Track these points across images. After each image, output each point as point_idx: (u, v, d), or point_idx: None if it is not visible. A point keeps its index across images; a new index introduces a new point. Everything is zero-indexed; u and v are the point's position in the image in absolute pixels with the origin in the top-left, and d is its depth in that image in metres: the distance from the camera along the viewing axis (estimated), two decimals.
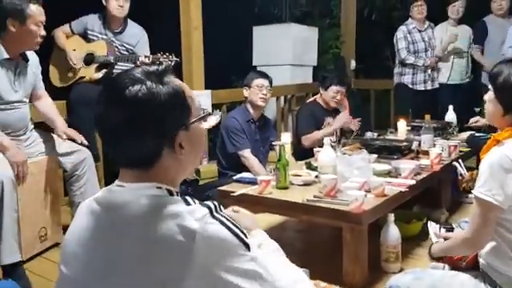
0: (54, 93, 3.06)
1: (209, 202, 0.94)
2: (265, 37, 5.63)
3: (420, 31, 4.63)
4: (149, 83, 0.94)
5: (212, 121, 2.79)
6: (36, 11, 2.39)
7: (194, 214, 0.90)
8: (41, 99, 2.74)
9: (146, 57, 3.20)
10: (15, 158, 2.32)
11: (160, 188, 0.95)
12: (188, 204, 0.93)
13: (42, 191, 2.61)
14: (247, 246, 0.92)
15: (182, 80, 1.03)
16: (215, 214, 0.92)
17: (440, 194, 2.99)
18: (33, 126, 2.66)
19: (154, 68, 0.98)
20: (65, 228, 1.06)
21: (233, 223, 0.92)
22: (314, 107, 3.83)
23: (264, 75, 3.37)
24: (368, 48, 6.61)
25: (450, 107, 3.72)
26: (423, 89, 4.64)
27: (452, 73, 4.65)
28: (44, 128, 2.78)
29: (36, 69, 2.65)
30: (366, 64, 6.49)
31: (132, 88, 0.93)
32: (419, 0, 4.60)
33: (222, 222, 0.91)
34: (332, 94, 3.73)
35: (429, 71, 4.62)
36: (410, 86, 4.64)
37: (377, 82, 5.85)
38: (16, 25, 2.37)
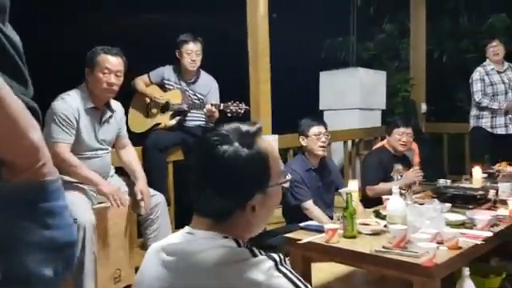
0: (132, 139, 3.29)
1: (274, 255, 0.96)
2: (332, 81, 5.68)
3: (499, 72, 4.47)
4: (236, 145, 0.99)
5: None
6: (103, 58, 2.58)
7: (259, 266, 0.93)
8: (125, 148, 2.90)
9: (212, 104, 3.34)
10: (106, 188, 2.51)
11: (227, 238, 0.99)
12: (254, 255, 0.96)
13: (119, 233, 2.75)
14: None
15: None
16: (280, 266, 0.94)
17: None
18: (114, 171, 2.85)
19: (245, 128, 1.02)
20: (137, 270, 1.13)
21: (297, 277, 0.94)
22: (382, 153, 3.72)
23: (319, 121, 3.33)
24: (440, 91, 6.46)
25: None
26: (504, 133, 4.41)
27: None
28: (123, 172, 2.97)
29: (120, 119, 2.86)
30: (437, 107, 6.31)
31: (220, 147, 0.98)
32: (494, 41, 4.48)
33: (286, 276, 0.93)
34: (397, 136, 3.60)
35: (510, 114, 4.40)
36: (489, 130, 4.44)
37: (450, 126, 5.65)
38: (89, 73, 2.60)
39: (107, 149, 2.76)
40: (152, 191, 2.80)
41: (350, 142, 5.17)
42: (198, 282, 0.95)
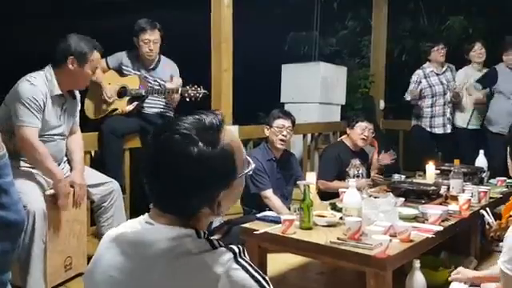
0: (88, 125, 3.18)
1: (234, 246, 0.96)
2: (293, 74, 5.70)
3: (438, 74, 4.65)
4: (201, 145, 0.94)
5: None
6: (96, 58, 2.56)
7: (218, 258, 0.92)
8: (73, 134, 2.82)
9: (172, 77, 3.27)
10: (65, 190, 2.46)
11: (187, 229, 0.97)
12: (214, 247, 0.95)
13: (71, 221, 2.66)
14: None
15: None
16: (239, 259, 0.93)
17: (469, 242, 2.90)
18: (66, 159, 2.75)
19: (208, 121, 0.97)
20: (89, 258, 1.08)
21: (256, 270, 0.94)
22: (340, 148, 3.77)
23: (287, 115, 3.34)
24: (399, 88, 6.62)
25: (481, 152, 3.66)
26: (442, 132, 4.62)
27: (472, 118, 4.62)
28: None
29: (78, 105, 2.79)
30: (396, 104, 6.47)
31: (185, 149, 0.93)
32: (440, 43, 4.67)
33: (245, 268, 0.92)
34: (359, 131, 3.66)
35: (448, 115, 4.62)
36: (428, 130, 4.65)
37: (406, 123, 5.80)
38: (75, 64, 2.51)
39: (65, 136, 2.69)
40: (106, 178, 2.73)
41: (309, 136, 5.22)
42: (157, 272, 0.93)
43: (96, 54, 2.56)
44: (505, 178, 3.40)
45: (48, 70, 2.54)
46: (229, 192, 0.99)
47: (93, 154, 3.28)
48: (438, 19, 7.00)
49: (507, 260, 1.47)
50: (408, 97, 4.69)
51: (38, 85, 2.46)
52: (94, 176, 2.75)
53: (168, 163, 0.95)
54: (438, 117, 4.63)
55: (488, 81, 4.49)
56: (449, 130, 4.65)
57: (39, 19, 7.24)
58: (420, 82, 4.64)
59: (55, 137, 2.59)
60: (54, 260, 2.48)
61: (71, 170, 2.69)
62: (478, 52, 4.56)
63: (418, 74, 4.69)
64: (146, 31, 3.36)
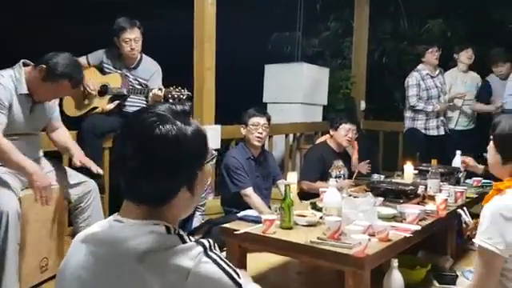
0: (66, 122, 3.13)
1: (204, 240, 0.96)
2: (276, 75, 5.72)
3: (432, 77, 4.69)
4: (178, 123, 0.95)
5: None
6: (63, 86, 2.47)
7: (188, 253, 0.92)
8: (57, 130, 2.78)
9: (159, 89, 3.25)
10: (39, 182, 2.35)
11: (158, 225, 0.96)
12: (183, 241, 0.94)
13: (47, 221, 2.62)
14: (239, 287, 0.93)
15: (192, 114, 1.06)
16: (209, 252, 0.93)
17: (445, 241, 2.95)
18: (43, 155, 2.70)
19: (180, 107, 1.00)
20: None
21: (226, 263, 0.94)
22: (323, 149, 3.79)
23: (261, 113, 3.35)
24: (379, 90, 6.70)
25: (458, 152, 3.72)
26: (436, 134, 4.67)
27: (460, 119, 4.74)
28: (53, 156, 2.82)
29: (53, 103, 2.72)
30: (376, 105, 6.55)
31: (162, 127, 0.94)
32: (435, 46, 4.69)
33: (215, 261, 0.92)
34: (343, 132, 3.69)
35: (441, 117, 4.67)
36: (423, 131, 4.68)
37: (386, 124, 5.88)
38: (41, 74, 2.44)
39: (36, 134, 2.64)
40: (84, 177, 2.70)
41: (291, 136, 5.24)
42: (126, 270, 0.92)
43: (64, 83, 2.45)
44: (480, 179, 3.46)
45: (18, 69, 2.48)
46: (201, 176, 1.00)
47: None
48: (417, 22, 7.11)
49: (482, 232, 1.52)
50: (429, 108, 4.60)
51: (5, 83, 2.40)
52: (71, 176, 2.71)
53: (146, 145, 0.94)
54: (432, 119, 4.66)
55: (484, 95, 4.69)
56: (442, 132, 4.69)
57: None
58: (419, 84, 4.64)
59: (25, 136, 2.53)
60: (30, 261, 2.44)
61: (58, 165, 2.65)
62: (470, 54, 4.69)
63: (415, 76, 4.66)
64: (126, 30, 3.32)
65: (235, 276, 0.93)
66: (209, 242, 0.95)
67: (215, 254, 0.94)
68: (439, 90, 4.67)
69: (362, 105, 6.08)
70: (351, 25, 6.40)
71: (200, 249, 0.93)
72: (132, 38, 3.34)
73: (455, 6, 6.72)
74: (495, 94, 4.64)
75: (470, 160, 3.36)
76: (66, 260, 1.03)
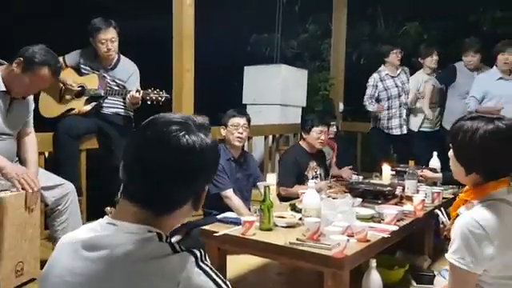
0: (42, 124, 3.07)
1: (195, 250, 0.95)
2: (255, 76, 5.73)
3: (393, 77, 4.82)
4: (200, 135, 0.97)
5: None
6: (43, 74, 2.43)
7: (179, 262, 0.92)
8: (27, 136, 2.71)
9: (136, 91, 3.22)
10: (14, 171, 2.30)
11: (151, 232, 0.96)
12: (175, 251, 0.94)
13: (23, 224, 2.56)
14: None
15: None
16: (200, 263, 0.93)
17: (423, 241, 3.00)
18: (18, 159, 2.64)
19: (200, 120, 1.01)
20: (43, 263, 1.05)
21: (217, 274, 0.94)
22: (297, 152, 3.77)
23: (241, 113, 3.36)
24: (357, 91, 6.77)
25: (435, 153, 3.78)
26: (399, 133, 4.79)
27: (425, 121, 4.81)
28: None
29: (30, 106, 2.68)
30: (354, 107, 6.62)
31: (188, 137, 0.95)
32: (398, 47, 4.84)
33: (206, 272, 0.92)
34: (315, 135, 3.69)
35: (403, 116, 4.79)
36: (386, 131, 4.81)
37: (364, 125, 5.94)
38: (19, 68, 2.40)
39: (12, 135, 2.58)
40: (61, 180, 2.65)
41: (270, 137, 5.25)
42: (115, 277, 0.92)
43: (44, 70, 2.42)
44: (440, 189, 3.40)
45: None
46: (205, 190, 1.03)
47: (47, 155, 3.17)
48: (394, 25, 7.22)
49: (454, 251, 1.50)
50: (370, 108, 4.84)
51: None
52: (48, 178, 2.66)
53: (168, 154, 0.94)
54: (394, 118, 4.80)
55: (447, 78, 4.67)
56: (405, 131, 4.82)
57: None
58: (376, 85, 4.80)
59: (4, 136, 2.48)
60: (4, 265, 2.37)
61: None
62: (434, 59, 4.76)
63: (374, 77, 4.84)
64: (101, 30, 3.28)
65: (225, 287, 0.93)
66: (200, 252, 0.95)
67: (206, 264, 0.94)
68: (400, 89, 4.80)
69: (341, 106, 6.14)
70: (329, 27, 6.46)
71: (192, 259, 0.93)
72: (108, 39, 3.29)
73: (431, 8, 6.84)
74: (457, 83, 4.61)
75: (426, 172, 3.35)
76: (51, 263, 1.00)
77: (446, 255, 1.54)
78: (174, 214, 0.99)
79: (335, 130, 4.56)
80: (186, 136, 0.95)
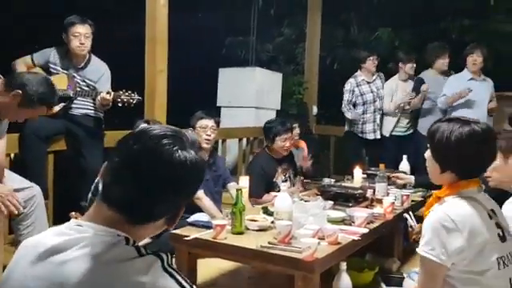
0: (9, 124, 2.97)
1: (162, 254, 0.95)
2: (230, 79, 5.71)
3: (368, 83, 4.88)
4: (192, 152, 0.98)
5: None
6: (42, 111, 2.44)
7: (145, 266, 0.90)
8: None
9: (107, 93, 3.16)
10: None
11: (119, 236, 0.94)
12: (141, 254, 0.93)
13: None
14: None
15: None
16: (166, 266, 0.92)
17: (392, 243, 3.03)
18: None
19: (191, 137, 1.03)
20: (5, 269, 1.01)
21: (183, 278, 0.93)
22: (263, 160, 3.72)
23: (209, 115, 3.33)
24: (330, 95, 6.83)
25: (405, 157, 3.84)
26: (373, 138, 4.85)
27: (397, 126, 4.88)
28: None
29: (5, 127, 2.59)
30: (327, 111, 6.67)
31: (181, 153, 0.96)
32: (375, 54, 4.90)
33: (172, 276, 0.91)
34: (280, 143, 3.65)
35: (377, 121, 4.86)
36: (360, 135, 4.87)
37: (337, 129, 5.99)
38: (16, 100, 2.34)
39: None
40: (27, 183, 2.57)
41: (244, 140, 5.24)
42: (81, 281, 0.89)
43: (42, 108, 2.44)
44: (409, 192, 3.46)
45: None
46: (182, 208, 1.04)
47: (13, 157, 3.07)
48: (367, 30, 7.32)
49: (425, 243, 1.54)
50: (348, 115, 4.85)
51: None
52: (13, 180, 2.57)
53: (161, 169, 0.95)
54: (368, 123, 4.85)
55: (417, 88, 4.76)
56: (378, 136, 4.88)
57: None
58: (353, 90, 4.83)
59: None
60: None
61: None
62: (414, 66, 4.86)
63: (350, 82, 4.87)
64: (76, 24, 3.22)
65: None
66: (166, 256, 0.95)
67: (172, 268, 0.93)
68: (375, 94, 4.86)
69: (314, 110, 6.18)
70: (304, 31, 6.50)
71: (157, 262, 0.92)
72: (82, 33, 3.24)
73: (404, 15, 6.97)
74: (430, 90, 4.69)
75: (399, 175, 3.41)
76: (11, 269, 0.98)
77: (417, 249, 1.59)
78: (148, 226, 0.99)
79: (298, 131, 4.51)
80: (179, 151, 0.96)
